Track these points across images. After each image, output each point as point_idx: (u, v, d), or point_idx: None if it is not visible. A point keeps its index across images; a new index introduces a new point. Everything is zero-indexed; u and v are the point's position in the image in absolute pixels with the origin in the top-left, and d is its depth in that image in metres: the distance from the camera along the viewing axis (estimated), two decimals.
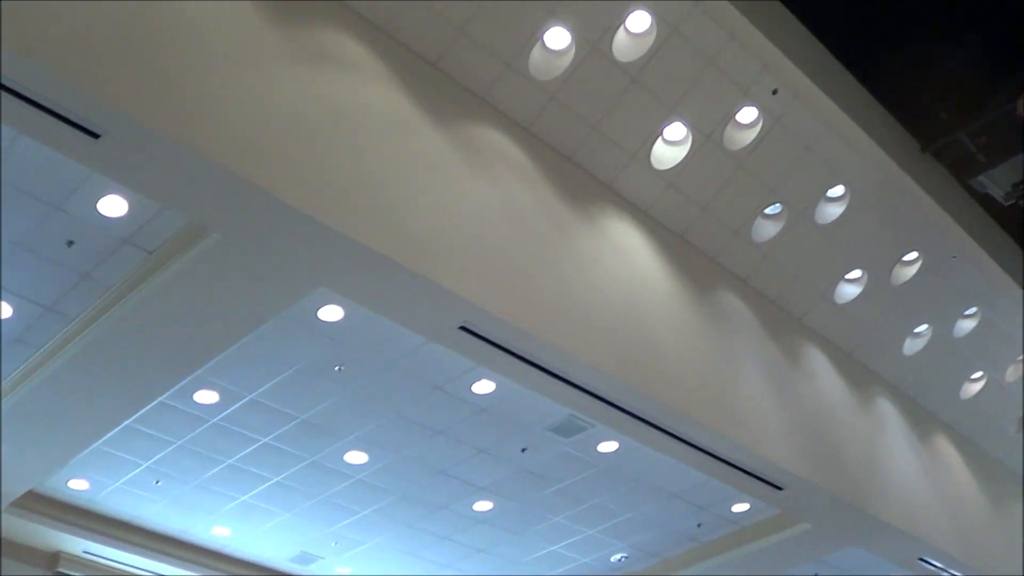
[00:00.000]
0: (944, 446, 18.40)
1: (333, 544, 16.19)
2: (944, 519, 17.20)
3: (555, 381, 12.15)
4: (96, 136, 8.95)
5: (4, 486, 13.67)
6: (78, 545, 15.45)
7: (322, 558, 16.62)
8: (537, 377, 12.08)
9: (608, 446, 14.16)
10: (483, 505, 15.43)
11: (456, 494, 15.13)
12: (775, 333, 15.05)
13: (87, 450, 13.37)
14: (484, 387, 12.95)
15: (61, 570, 15.57)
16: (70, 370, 11.66)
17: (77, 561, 15.69)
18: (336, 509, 15.30)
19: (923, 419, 17.97)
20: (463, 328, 11.24)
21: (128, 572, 16.08)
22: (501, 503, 15.41)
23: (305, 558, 16.61)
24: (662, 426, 13.07)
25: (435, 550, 16.55)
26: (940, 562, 17.10)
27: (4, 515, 14.39)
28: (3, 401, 12.21)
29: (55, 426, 12.64)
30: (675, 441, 13.34)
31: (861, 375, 16.61)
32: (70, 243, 10.69)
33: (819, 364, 15.76)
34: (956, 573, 17.55)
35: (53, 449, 13.18)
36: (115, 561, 15.86)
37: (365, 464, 14.29)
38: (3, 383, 12.19)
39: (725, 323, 14.25)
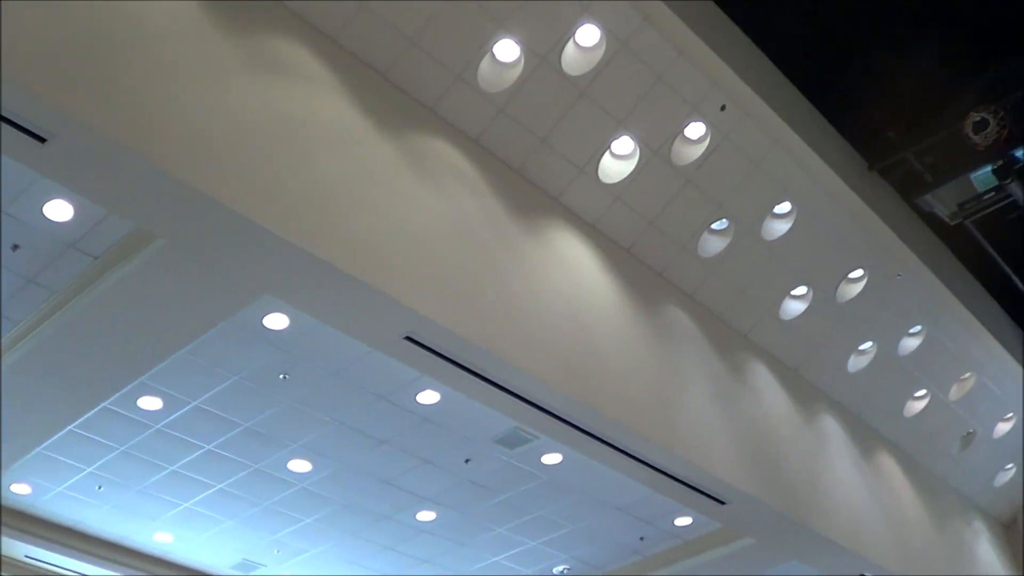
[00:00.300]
0: (887, 463, 18.53)
1: (276, 552, 16.15)
2: (886, 536, 17.32)
3: (500, 393, 12.17)
4: (43, 140, 8.91)
5: None
6: (19, 549, 15.34)
7: (264, 565, 16.56)
8: (482, 388, 12.10)
9: (552, 458, 14.20)
10: (427, 515, 15.43)
11: (400, 504, 15.11)
12: (720, 348, 15.13)
13: (29, 455, 13.29)
14: (429, 397, 12.96)
15: (3, 574, 15.47)
16: (13, 374, 11.57)
17: (18, 565, 15.58)
18: (279, 517, 15.26)
19: (867, 436, 18.09)
20: (408, 338, 11.25)
21: None
22: (445, 513, 15.41)
23: (247, 565, 16.54)
24: (606, 439, 13.11)
25: (378, 559, 16.52)
26: None
27: None
28: None
29: None
30: (619, 454, 13.39)
31: (806, 391, 16.72)
32: (15, 247, 10.64)
33: (764, 380, 15.85)
34: None
35: None
36: (57, 566, 15.76)
37: (309, 472, 14.27)
38: None
39: (671, 337, 14.31)
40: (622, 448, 13.29)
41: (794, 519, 15.22)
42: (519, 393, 12.21)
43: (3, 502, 14.77)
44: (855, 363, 17.20)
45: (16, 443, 12.88)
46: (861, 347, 17.12)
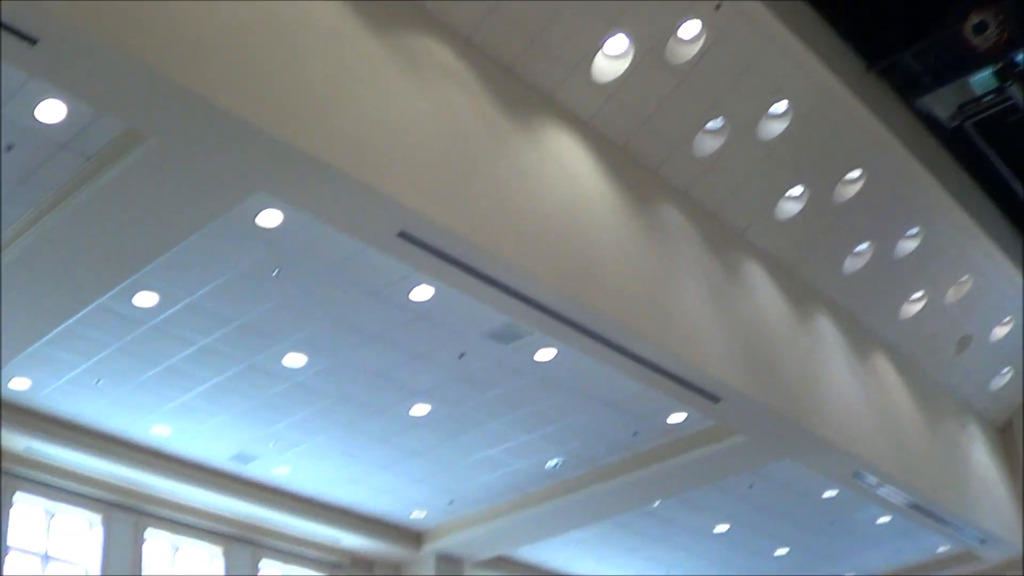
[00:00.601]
0: (883, 365, 18.64)
1: (271, 444, 16.33)
2: (880, 436, 17.47)
3: (493, 288, 12.25)
4: (33, 41, 8.89)
5: None
6: (20, 443, 15.53)
7: (260, 457, 16.77)
8: (475, 284, 12.18)
9: (546, 354, 14.32)
10: (420, 409, 15.59)
11: (394, 398, 15.29)
12: (715, 247, 15.17)
13: (28, 350, 13.40)
14: (422, 293, 13.05)
15: (3, 467, 15.64)
16: (10, 272, 11.65)
17: (20, 458, 15.77)
18: (275, 410, 15.43)
19: (862, 337, 18.19)
20: (402, 235, 11.30)
21: (69, 469, 16.19)
22: (438, 407, 15.59)
23: (244, 457, 16.76)
24: (600, 334, 13.21)
25: (373, 451, 16.72)
26: (875, 477, 17.37)
27: None
28: None
29: None
30: (612, 350, 13.50)
31: (801, 292, 16.79)
32: (9, 148, 10.66)
33: (759, 279, 15.91)
34: (891, 488, 17.85)
35: None
36: (57, 458, 15.96)
37: (303, 367, 14.40)
38: None
39: (665, 236, 14.35)
40: (615, 344, 13.38)
41: (787, 417, 15.38)
42: (512, 288, 12.28)
43: (3, 397, 14.93)
44: (851, 264, 17.26)
45: (15, 339, 12.98)
46: (857, 249, 17.17)
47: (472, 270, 11.94)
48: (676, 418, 16.14)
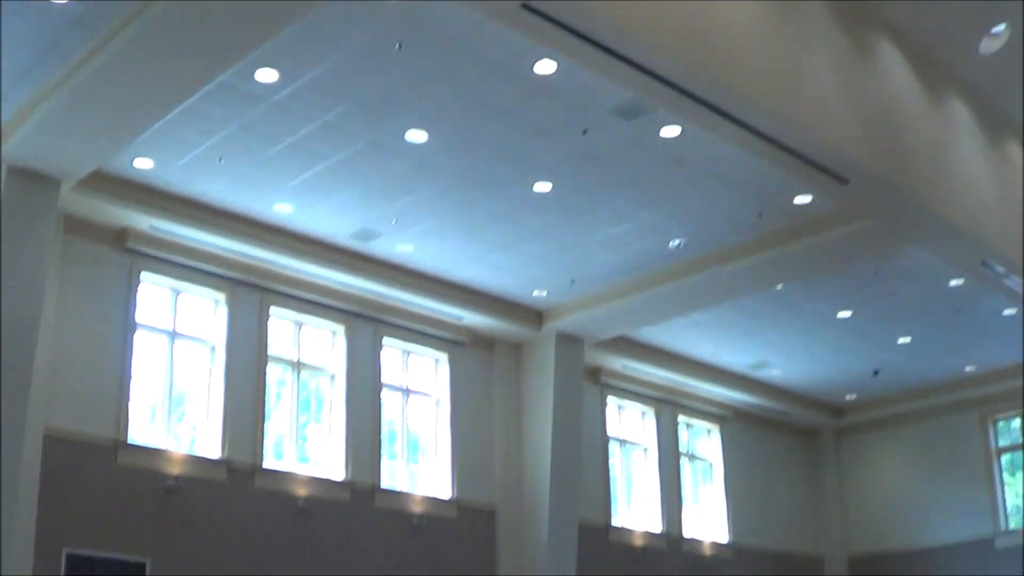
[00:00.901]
0: (1016, 153, 18.10)
1: (394, 222, 16.37)
2: (1011, 224, 17.06)
3: (618, 62, 11.86)
4: None
5: (71, 167, 13.90)
6: (144, 222, 15.72)
7: (383, 235, 16.83)
8: (600, 57, 11.79)
9: (671, 131, 14.07)
10: (543, 186, 15.46)
11: (516, 175, 15.17)
12: (848, 25, 14.61)
13: (151, 129, 13.41)
14: (546, 67, 12.81)
15: (129, 246, 15.85)
16: (131, 49, 11.56)
17: (144, 237, 15.98)
18: (397, 187, 15.41)
19: (996, 124, 17.62)
20: (526, 6, 10.98)
21: (194, 247, 16.38)
22: (561, 185, 15.46)
23: (366, 234, 16.83)
24: (726, 111, 12.83)
25: (495, 230, 16.73)
26: (1003, 267, 17.03)
27: (72, 194, 14.62)
28: (68, 82, 12.23)
29: (118, 106, 12.69)
30: (739, 127, 13.13)
31: (935, 74, 16.19)
32: None
33: (892, 60, 15.36)
34: (1018, 279, 17.50)
35: (117, 129, 13.28)
36: (181, 237, 16.17)
37: (425, 143, 14.28)
38: (68, 66, 12.18)
39: (797, 11, 13.81)
40: (742, 120, 13.00)
41: (916, 201, 15.03)
42: (637, 62, 11.87)
43: (127, 176, 15.04)
44: (987, 46, 16.59)
45: (138, 118, 13.04)
46: (994, 30, 16.47)
47: (597, 43, 11.55)
48: (802, 199, 15.89)
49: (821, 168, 14.07)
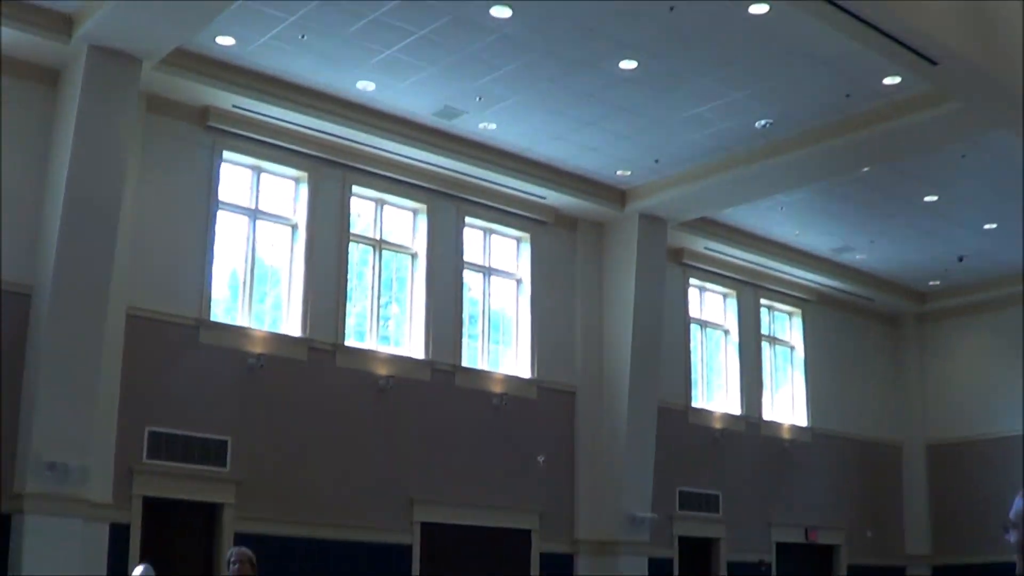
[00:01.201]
0: None
1: (477, 99, 16.27)
2: None
3: None
4: None
5: (152, 46, 13.91)
6: (227, 100, 15.75)
7: (467, 112, 16.75)
8: None
9: (759, 8, 13.77)
10: (628, 64, 15.24)
11: (601, 52, 14.95)
12: None
13: (233, 5, 13.36)
14: None
15: (211, 124, 15.90)
16: None
17: (226, 115, 16.02)
18: (480, 64, 15.28)
19: None
20: None
21: (276, 125, 16.40)
22: (646, 63, 15.23)
23: (449, 112, 16.76)
24: None
25: (579, 108, 16.57)
26: None
27: (154, 73, 14.65)
28: None
29: None
30: (829, 5, 12.90)
31: None
32: None
33: None
34: None
35: (198, 6, 13.27)
36: (263, 115, 16.19)
37: (510, 18, 14.07)
38: None
39: None
40: None
41: (1007, 84, 14.74)
42: None
43: (209, 54, 15.03)
44: None
45: None
46: None
47: None
48: (891, 81, 15.59)
49: (911, 49, 13.82)
